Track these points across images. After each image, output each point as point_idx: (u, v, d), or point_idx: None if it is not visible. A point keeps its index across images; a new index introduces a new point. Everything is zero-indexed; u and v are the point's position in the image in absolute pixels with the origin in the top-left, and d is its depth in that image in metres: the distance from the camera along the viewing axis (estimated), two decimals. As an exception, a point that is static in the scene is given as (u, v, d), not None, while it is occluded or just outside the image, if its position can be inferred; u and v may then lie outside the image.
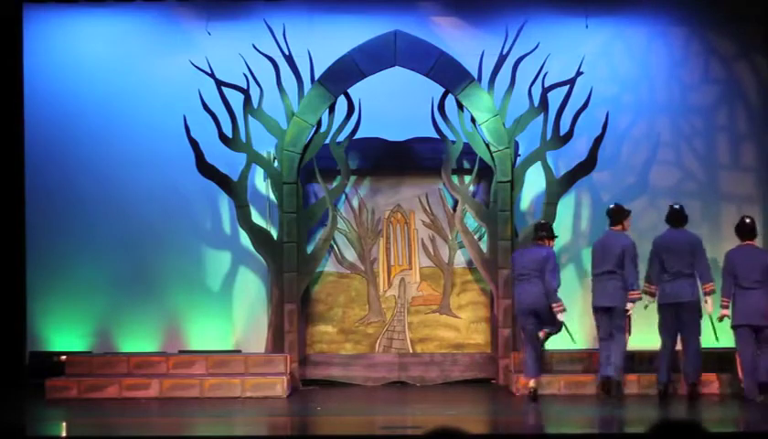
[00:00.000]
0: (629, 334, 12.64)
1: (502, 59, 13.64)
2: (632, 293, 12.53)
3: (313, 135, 13.65)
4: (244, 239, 13.95)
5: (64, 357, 13.66)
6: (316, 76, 13.58)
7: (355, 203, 14.24)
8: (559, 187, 13.78)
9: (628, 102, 14.49)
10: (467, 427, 9.60)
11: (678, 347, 12.61)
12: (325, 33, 14.05)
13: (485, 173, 13.82)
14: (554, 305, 12.50)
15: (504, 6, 14.20)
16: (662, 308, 12.61)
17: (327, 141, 13.65)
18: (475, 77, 13.58)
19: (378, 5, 14.18)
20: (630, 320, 12.60)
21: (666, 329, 12.58)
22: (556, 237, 12.94)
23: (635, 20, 14.42)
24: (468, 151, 13.76)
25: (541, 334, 12.52)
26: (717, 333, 12.57)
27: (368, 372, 14.03)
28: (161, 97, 14.22)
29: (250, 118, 13.61)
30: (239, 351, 14.05)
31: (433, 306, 14.19)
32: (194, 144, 13.57)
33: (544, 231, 12.84)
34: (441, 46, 13.69)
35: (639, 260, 12.65)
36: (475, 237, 13.88)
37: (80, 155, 14.31)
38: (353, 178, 14.07)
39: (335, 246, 14.11)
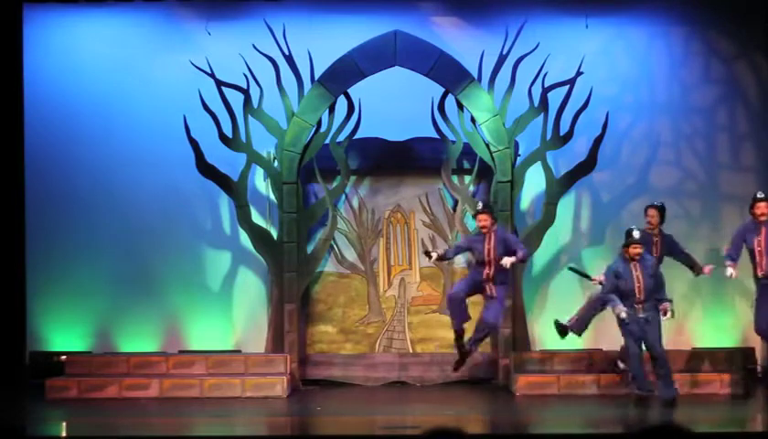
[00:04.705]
0: None
1: (502, 59, 13.63)
2: None
3: (313, 135, 13.64)
4: (244, 239, 13.95)
5: (64, 357, 13.67)
6: (316, 76, 13.58)
7: (355, 203, 14.24)
8: (559, 187, 13.77)
9: (628, 102, 14.48)
10: (467, 427, 9.62)
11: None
12: (325, 33, 14.04)
13: (485, 173, 13.82)
14: None
15: (504, 6, 14.19)
16: None
17: (327, 141, 13.65)
18: (475, 77, 13.57)
19: (378, 5, 14.17)
20: None
21: None
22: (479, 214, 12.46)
23: (635, 20, 14.41)
24: (468, 151, 13.75)
25: None
26: None
27: (368, 372, 14.02)
28: (161, 97, 14.22)
29: (250, 118, 13.61)
30: (239, 351, 14.05)
31: (433, 306, 14.18)
32: (194, 144, 13.57)
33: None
34: (441, 46, 13.68)
35: None
36: (475, 237, 13.88)
37: (79, 155, 14.31)
38: (353, 178, 14.07)
39: (335, 246, 14.11)
